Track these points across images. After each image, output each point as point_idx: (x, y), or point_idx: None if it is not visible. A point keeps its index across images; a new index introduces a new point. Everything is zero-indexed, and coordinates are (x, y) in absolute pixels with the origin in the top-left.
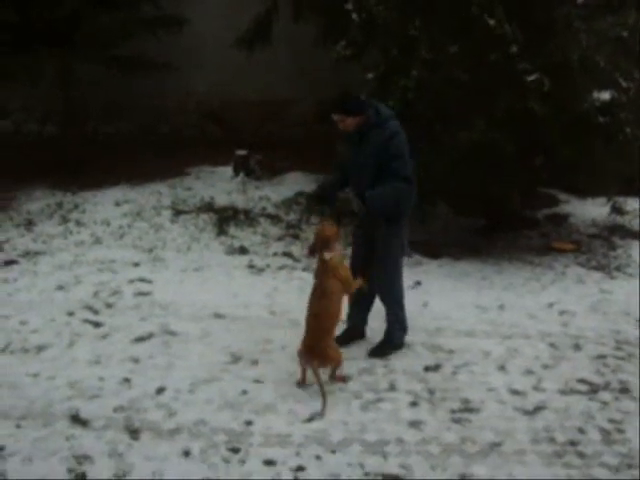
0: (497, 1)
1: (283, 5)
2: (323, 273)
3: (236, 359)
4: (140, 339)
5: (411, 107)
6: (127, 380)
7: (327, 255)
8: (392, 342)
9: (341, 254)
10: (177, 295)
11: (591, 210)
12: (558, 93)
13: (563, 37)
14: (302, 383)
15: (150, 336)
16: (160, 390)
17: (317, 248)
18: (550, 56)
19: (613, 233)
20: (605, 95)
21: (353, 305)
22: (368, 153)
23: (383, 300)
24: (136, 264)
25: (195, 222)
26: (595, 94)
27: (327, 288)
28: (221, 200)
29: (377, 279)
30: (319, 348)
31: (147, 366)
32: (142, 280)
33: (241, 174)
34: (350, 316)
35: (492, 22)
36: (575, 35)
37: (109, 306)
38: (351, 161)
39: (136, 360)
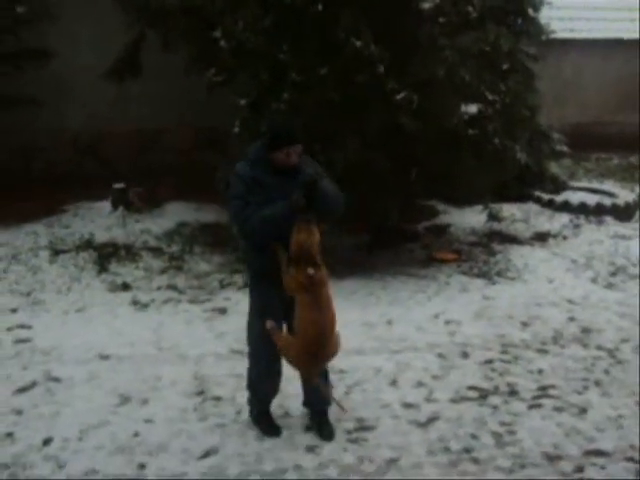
0: (363, 23)
1: (152, 34)
2: (315, 286)
3: (125, 400)
4: (22, 389)
5: None
6: (10, 435)
7: (311, 271)
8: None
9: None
10: (59, 339)
11: (469, 218)
12: (427, 109)
13: (429, 54)
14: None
15: (33, 385)
16: (47, 441)
17: (298, 261)
18: (417, 74)
19: (492, 239)
20: (472, 108)
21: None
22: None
23: None
24: (14, 310)
25: (75, 261)
26: (463, 108)
27: (329, 299)
28: (101, 236)
29: None
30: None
31: (31, 417)
32: (21, 326)
33: (120, 208)
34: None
35: (359, 44)
36: (440, 52)
37: None
38: (275, 197)
39: (19, 412)
